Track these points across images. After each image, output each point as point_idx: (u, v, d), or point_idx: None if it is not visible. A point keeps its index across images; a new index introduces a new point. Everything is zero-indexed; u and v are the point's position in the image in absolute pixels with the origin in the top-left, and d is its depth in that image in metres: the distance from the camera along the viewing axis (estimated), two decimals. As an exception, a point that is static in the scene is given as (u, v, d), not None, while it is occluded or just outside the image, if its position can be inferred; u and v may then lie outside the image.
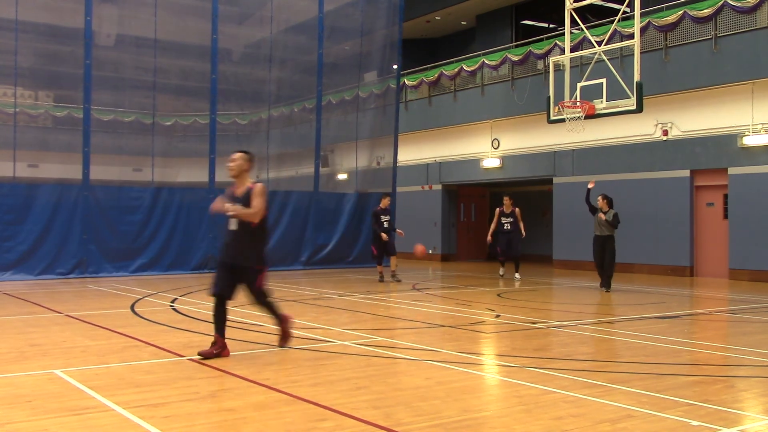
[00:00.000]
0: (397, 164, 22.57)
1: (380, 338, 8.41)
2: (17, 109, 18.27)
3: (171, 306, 11.47)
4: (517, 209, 17.15)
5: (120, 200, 17.62)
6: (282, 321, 7.57)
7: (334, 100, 22.45)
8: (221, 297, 7.18)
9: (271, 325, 9.25)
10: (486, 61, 22.89)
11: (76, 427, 4.77)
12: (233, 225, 7.17)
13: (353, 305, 11.95)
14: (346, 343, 8.01)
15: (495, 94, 22.84)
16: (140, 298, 12.43)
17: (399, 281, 16.17)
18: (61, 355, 7.35)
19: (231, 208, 7.08)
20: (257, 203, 7.07)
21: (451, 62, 24.59)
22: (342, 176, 22.97)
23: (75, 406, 5.26)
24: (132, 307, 11.23)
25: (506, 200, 17.20)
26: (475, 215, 26.31)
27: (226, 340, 7.21)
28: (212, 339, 7.19)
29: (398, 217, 22.25)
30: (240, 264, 7.14)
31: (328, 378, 6.27)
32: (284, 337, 7.62)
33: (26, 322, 9.84)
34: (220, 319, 7.19)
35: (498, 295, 13.71)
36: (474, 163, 23.82)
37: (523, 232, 17.15)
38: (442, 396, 5.63)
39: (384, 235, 16.09)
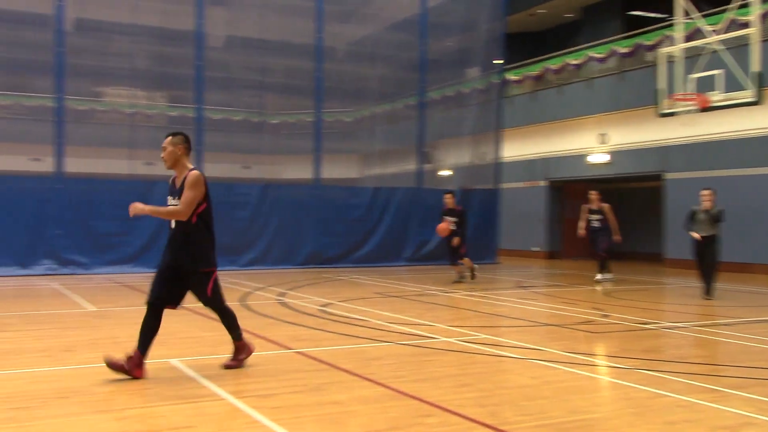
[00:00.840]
0: (501, 160, 22.32)
1: (484, 336, 8.35)
2: (134, 110, 19.20)
3: (278, 300, 11.76)
4: (606, 205, 15.66)
5: (230, 196, 18.18)
6: (240, 344, 6.52)
7: (436, 97, 22.42)
8: (155, 305, 6.20)
9: (373, 320, 9.35)
10: (592, 54, 22.30)
11: (190, 414, 4.96)
12: (173, 222, 6.19)
13: (457, 302, 11.92)
14: (450, 339, 7.99)
15: (602, 88, 22.22)
16: (250, 292, 12.80)
17: (459, 281, 15.12)
18: (176, 344, 7.66)
19: (140, 208, 6.05)
20: (186, 197, 6.03)
21: (556, 56, 24.10)
22: (445, 172, 22.92)
23: (189, 394, 5.48)
24: (242, 300, 11.58)
25: (593, 195, 15.79)
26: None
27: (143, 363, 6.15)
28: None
29: (502, 214, 22.06)
30: (183, 267, 6.14)
31: (433, 374, 6.28)
32: (235, 359, 6.48)
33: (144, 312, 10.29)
34: (147, 330, 6.21)
35: (605, 294, 13.35)
36: (580, 158, 23.27)
37: (613, 230, 15.42)
38: (548, 396, 5.54)
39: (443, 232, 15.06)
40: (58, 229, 16.42)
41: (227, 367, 6.37)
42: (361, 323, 9.14)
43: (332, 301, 11.49)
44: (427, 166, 21.48)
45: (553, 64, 23.78)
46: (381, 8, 21.47)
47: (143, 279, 15.51)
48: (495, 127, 21.99)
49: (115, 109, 20.27)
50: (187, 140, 6.36)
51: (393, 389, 5.67)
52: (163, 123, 20.43)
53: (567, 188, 25.11)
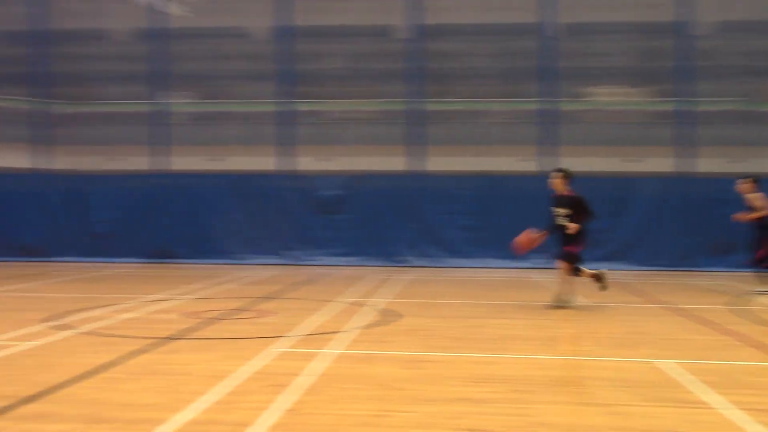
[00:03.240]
0: None
1: None
2: (616, 107, 19.47)
3: (774, 306, 10.65)
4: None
5: (716, 193, 16.87)
6: None
7: None
8: None
9: None
10: None
11: (678, 419, 4.76)
12: None
13: None
14: None
15: None
16: (745, 296, 11.82)
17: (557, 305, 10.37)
18: (659, 346, 7.45)
19: None
20: None
21: None
22: None
23: (676, 398, 5.28)
24: (731, 304, 10.77)
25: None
26: None
27: None
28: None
29: None
30: None
31: None
32: None
33: (623, 310, 10.27)
34: None
35: None
36: None
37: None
38: None
39: None
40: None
41: None
42: None
43: None
44: None
45: None
46: None
47: (624, 276, 15.42)
48: None
49: (598, 108, 20.61)
50: None
51: None
52: (646, 119, 20.08)
53: None
